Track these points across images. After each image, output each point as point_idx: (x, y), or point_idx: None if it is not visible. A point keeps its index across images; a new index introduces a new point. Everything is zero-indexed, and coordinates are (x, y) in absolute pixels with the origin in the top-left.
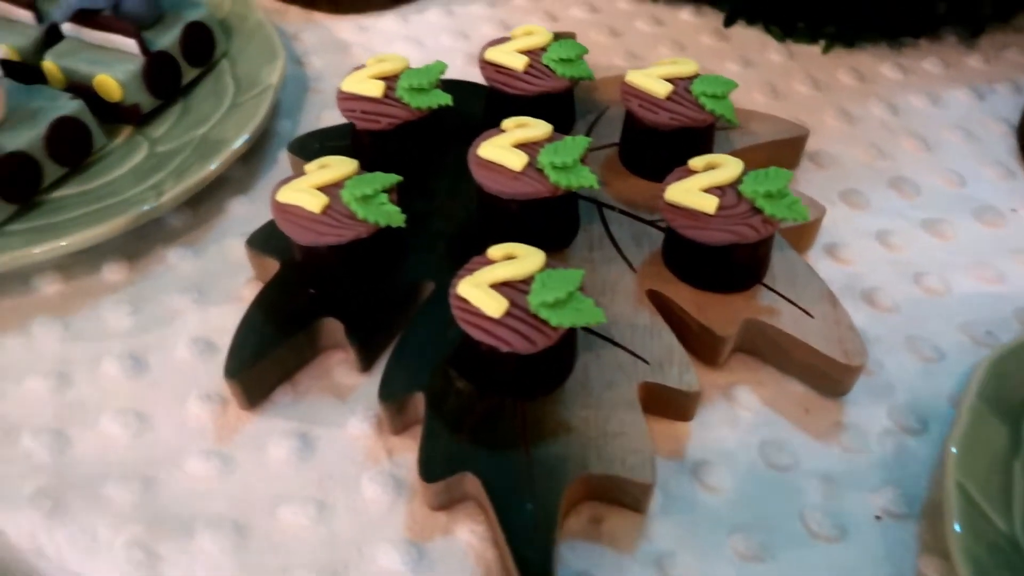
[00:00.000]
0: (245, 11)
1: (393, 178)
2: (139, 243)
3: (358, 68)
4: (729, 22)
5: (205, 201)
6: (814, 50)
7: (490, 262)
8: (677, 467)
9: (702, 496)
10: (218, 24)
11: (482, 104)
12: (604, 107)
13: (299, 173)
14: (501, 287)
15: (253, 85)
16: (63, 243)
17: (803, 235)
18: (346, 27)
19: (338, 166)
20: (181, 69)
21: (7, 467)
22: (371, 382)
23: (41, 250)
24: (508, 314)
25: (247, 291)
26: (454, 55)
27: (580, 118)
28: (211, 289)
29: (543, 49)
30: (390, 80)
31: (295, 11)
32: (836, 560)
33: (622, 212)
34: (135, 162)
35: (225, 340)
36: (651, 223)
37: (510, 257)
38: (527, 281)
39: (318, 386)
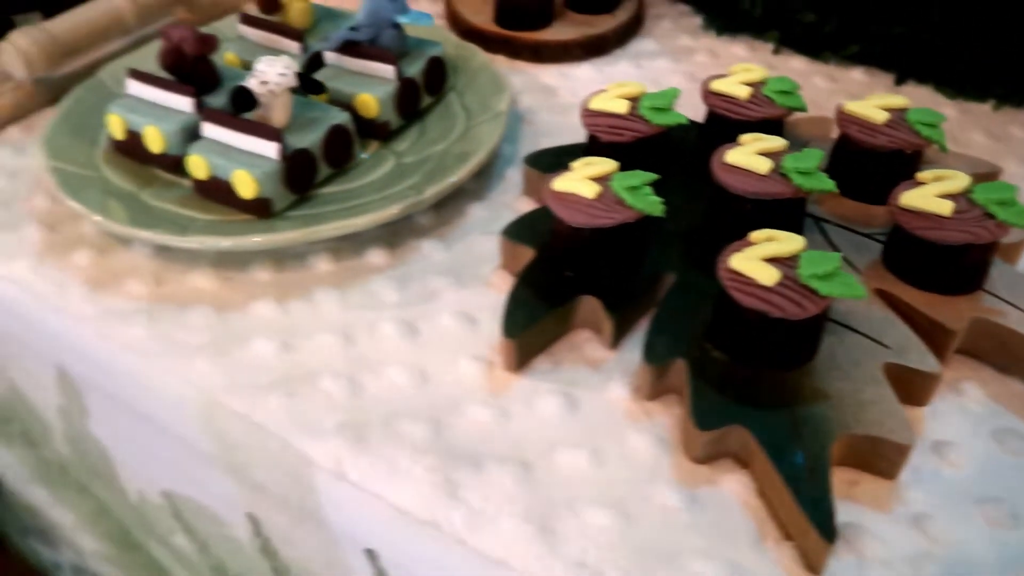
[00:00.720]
0: (469, 54)
1: (652, 176)
2: (394, 236)
3: (598, 92)
4: (900, 81)
5: (447, 205)
6: (985, 107)
7: (751, 244)
8: (918, 444)
9: (946, 470)
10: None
11: (688, 133)
12: (805, 140)
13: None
14: (769, 262)
15: (484, 111)
16: (356, 222)
17: (1011, 251)
18: (548, 74)
19: (601, 164)
20: (421, 95)
21: (312, 403)
22: (619, 357)
23: (331, 227)
24: (780, 283)
25: (495, 278)
26: None
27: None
28: (463, 275)
29: (762, 83)
30: (634, 99)
31: (502, 59)
32: None
33: (839, 226)
34: (385, 170)
35: (483, 315)
36: (867, 235)
37: (771, 240)
38: (790, 260)
39: (571, 357)
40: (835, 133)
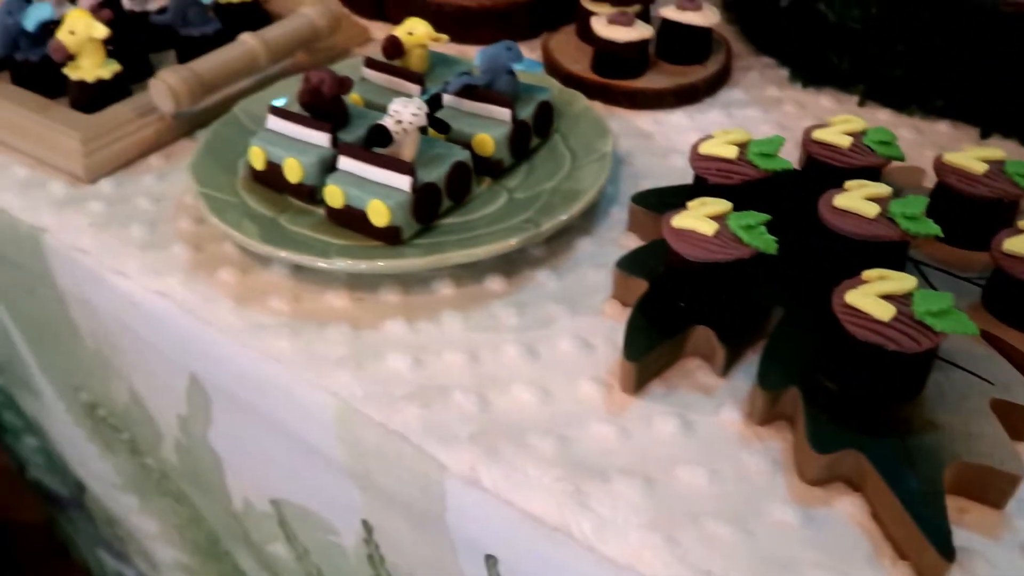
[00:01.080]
0: (572, 99)
1: (766, 216)
2: (510, 266)
3: (706, 138)
4: (985, 135)
5: (558, 239)
6: None
7: (864, 282)
8: None
9: None
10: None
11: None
12: (900, 188)
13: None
14: (883, 298)
15: (588, 153)
16: (479, 251)
17: None
18: (643, 120)
19: (717, 204)
20: (531, 136)
21: (445, 415)
22: (729, 384)
23: (458, 255)
24: (895, 319)
25: (607, 307)
26: None
27: None
28: (576, 303)
29: (862, 133)
30: (741, 145)
31: (599, 105)
32: None
33: (939, 270)
34: (499, 204)
35: (597, 341)
36: (966, 279)
37: (884, 279)
38: (903, 298)
39: (684, 383)
40: (927, 182)
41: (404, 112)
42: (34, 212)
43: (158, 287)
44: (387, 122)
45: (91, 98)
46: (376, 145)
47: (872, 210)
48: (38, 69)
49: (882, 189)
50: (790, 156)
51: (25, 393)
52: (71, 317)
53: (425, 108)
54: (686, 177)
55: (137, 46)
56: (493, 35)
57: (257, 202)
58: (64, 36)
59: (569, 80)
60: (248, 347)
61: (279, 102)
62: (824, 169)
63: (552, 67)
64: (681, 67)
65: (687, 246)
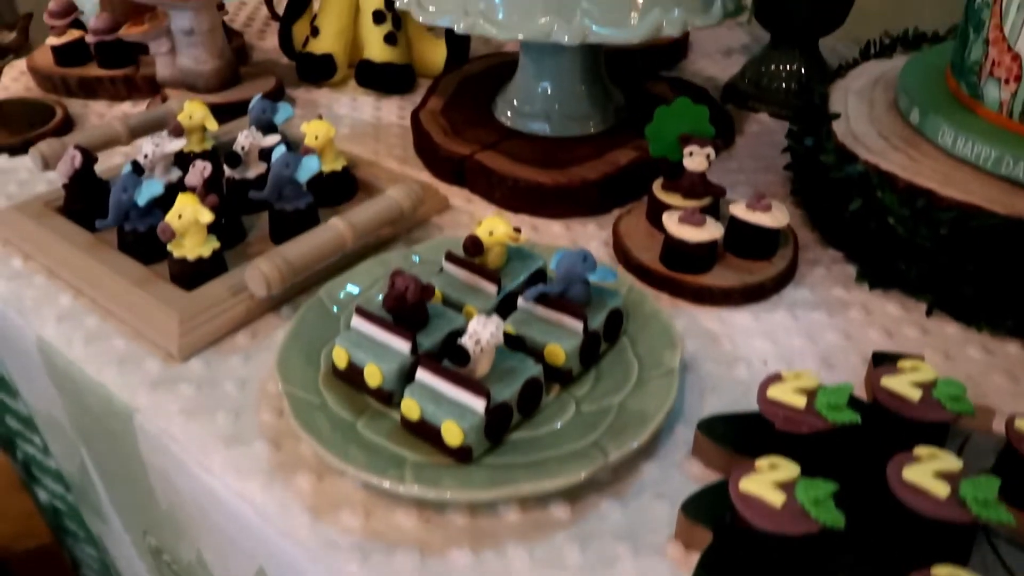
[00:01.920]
0: (641, 299)
1: (834, 486)
2: (576, 489)
3: (775, 378)
4: None
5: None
6: None
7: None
8: None
9: None
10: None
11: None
12: (967, 433)
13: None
14: None
15: (656, 365)
16: (546, 484)
17: None
18: (709, 318)
19: (786, 467)
20: (600, 344)
21: None
22: None
23: (526, 487)
24: None
25: (671, 548)
26: (805, 357)
27: (949, 439)
28: (639, 540)
29: (932, 384)
30: (810, 393)
31: (664, 298)
32: None
33: (1013, 542)
34: (567, 417)
35: None
36: None
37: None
38: None
39: None
40: (998, 422)
41: (483, 333)
42: (129, 390)
43: (239, 488)
44: (466, 343)
45: (191, 275)
46: (455, 363)
47: (943, 490)
48: (143, 237)
49: (952, 464)
50: (857, 370)
51: (93, 515)
52: (150, 481)
53: (502, 327)
54: (751, 392)
55: (233, 211)
56: (566, 210)
57: (338, 402)
58: (172, 220)
59: (636, 269)
60: (319, 563)
61: (356, 289)
62: (892, 419)
63: (622, 253)
64: (749, 262)
65: (755, 515)
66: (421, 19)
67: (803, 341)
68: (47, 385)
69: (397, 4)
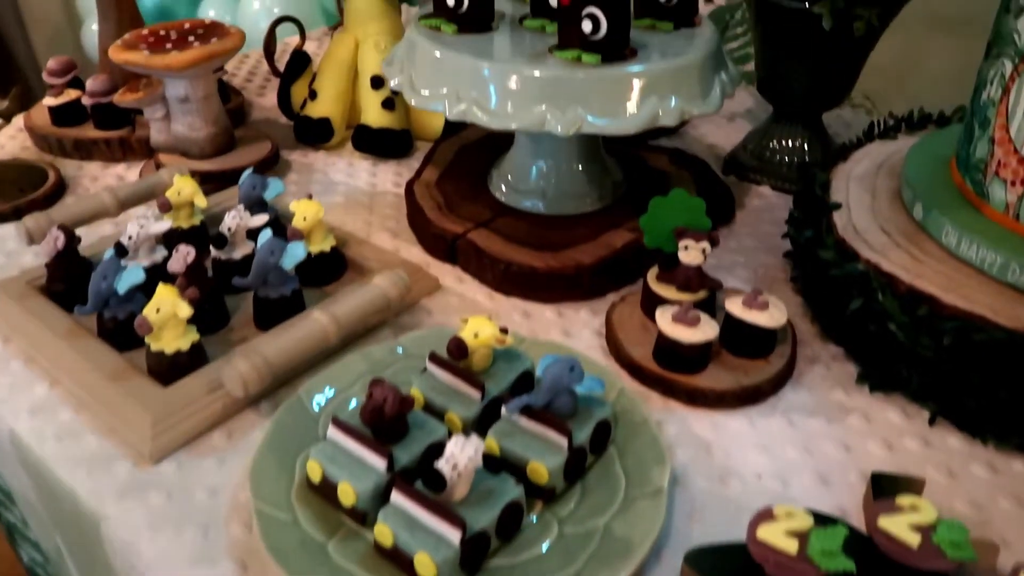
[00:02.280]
0: (631, 405)
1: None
2: None
3: (765, 515)
4: None
5: None
6: None
7: None
8: None
9: None
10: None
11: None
12: (971, 571)
13: None
14: None
15: (644, 483)
16: None
17: None
18: (701, 422)
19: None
20: (586, 459)
21: None
22: None
23: None
24: None
25: None
26: (801, 471)
27: None
28: None
29: (932, 527)
30: (802, 536)
31: (656, 397)
32: None
33: None
34: (550, 540)
35: None
36: None
37: None
38: None
39: None
40: (1003, 562)
41: (460, 457)
42: (97, 497)
43: None
44: (443, 467)
45: (168, 368)
46: (431, 489)
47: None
48: (122, 325)
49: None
50: (855, 490)
51: None
52: None
53: (481, 449)
54: (742, 512)
55: (217, 293)
56: (559, 295)
57: (310, 519)
58: (150, 313)
59: (627, 365)
60: None
61: (332, 395)
62: (890, 565)
63: (614, 346)
64: (745, 361)
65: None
66: (413, 102)
67: (799, 453)
68: (22, 474)
69: (391, 84)
